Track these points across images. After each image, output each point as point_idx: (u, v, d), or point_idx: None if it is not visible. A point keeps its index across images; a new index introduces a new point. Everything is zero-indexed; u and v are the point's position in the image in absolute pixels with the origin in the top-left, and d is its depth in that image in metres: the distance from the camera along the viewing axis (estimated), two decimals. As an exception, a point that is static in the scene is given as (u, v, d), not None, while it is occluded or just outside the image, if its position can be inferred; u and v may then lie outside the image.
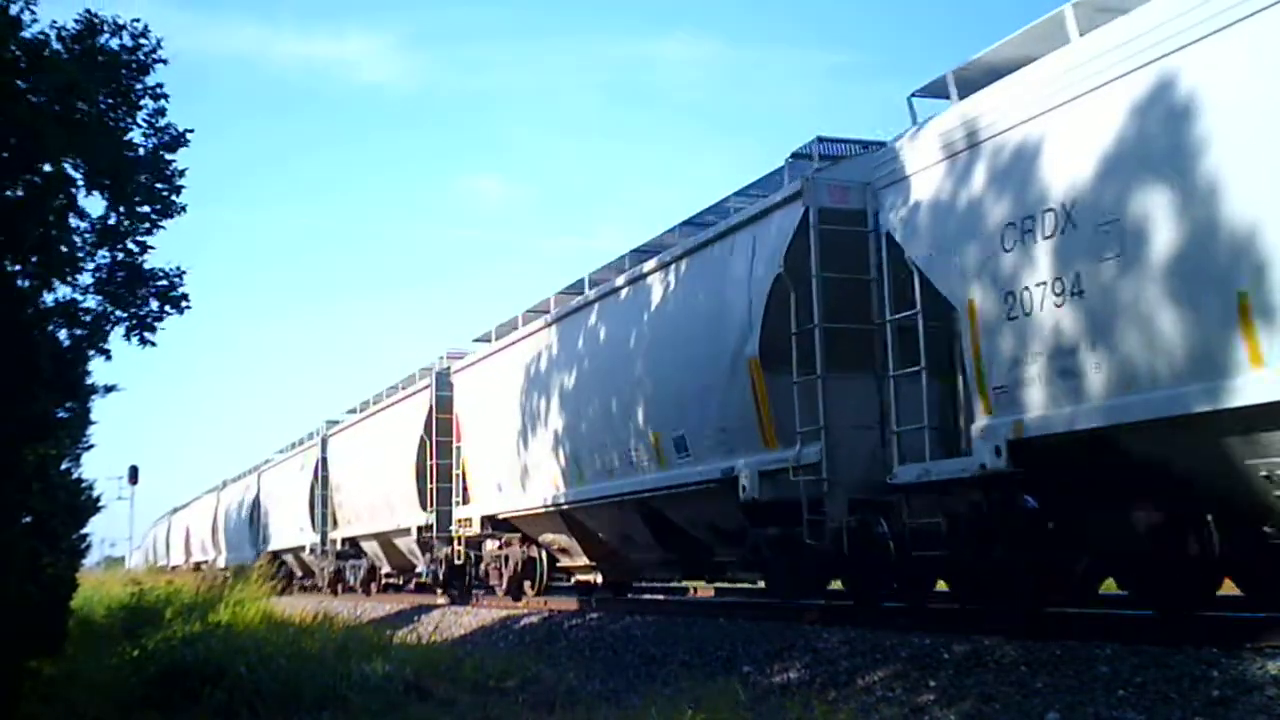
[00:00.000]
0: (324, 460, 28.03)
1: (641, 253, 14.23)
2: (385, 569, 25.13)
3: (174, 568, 46.99)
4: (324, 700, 8.24)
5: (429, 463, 20.52)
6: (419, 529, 20.90)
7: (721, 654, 9.87)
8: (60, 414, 8.91)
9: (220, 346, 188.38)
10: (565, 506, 15.26)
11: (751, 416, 11.01)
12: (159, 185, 8.54)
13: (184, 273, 8.75)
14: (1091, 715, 6.17)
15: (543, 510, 15.95)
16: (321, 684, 8.53)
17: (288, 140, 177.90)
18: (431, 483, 20.39)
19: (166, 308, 8.68)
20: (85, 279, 8.55)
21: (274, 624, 14.34)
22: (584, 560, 16.27)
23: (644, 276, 13.57)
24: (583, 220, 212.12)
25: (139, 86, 8.29)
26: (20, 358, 7.19)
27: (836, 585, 12.07)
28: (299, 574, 32.48)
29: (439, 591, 21.14)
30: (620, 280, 14.15)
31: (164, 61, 8.31)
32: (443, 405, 20.39)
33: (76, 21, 7.98)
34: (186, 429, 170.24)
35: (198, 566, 41.67)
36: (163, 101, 8.47)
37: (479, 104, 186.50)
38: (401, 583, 25.19)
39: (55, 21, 7.93)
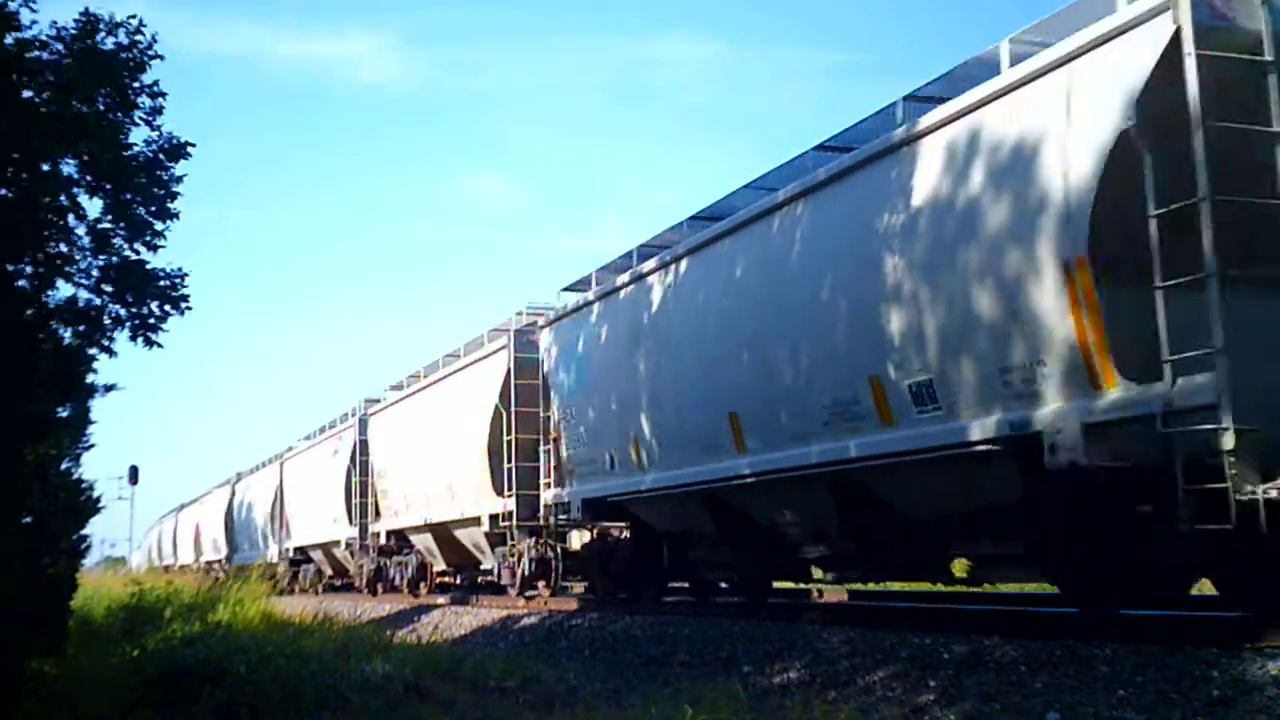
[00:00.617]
0: (363, 443, 24.66)
1: (832, 150, 10.63)
2: (439, 566, 21.58)
3: (182, 568, 43.91)
4: (324, 700, 8.25)
5: (507, 438, 16.75)
6: (492, 518, 17.29)
7: (721, 654, 9.88)
8: (60, 414, 8.91)
9: (219, 346, 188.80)
10: (711, 485, 11.90)
11: (1069, 344, 7.62)
12: (156, 190, 8.54)
13: (185, 275, 8.76)
14: (1091, 715, 6.18)
15: (674, 491, 12.61)
16: (321, 684, 8.54)
17: (288, 139, 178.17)
18: (510, 461, 16.64)
19: (167, 308, 8.68)
20: (86, 279, 8.55)
21: (274, 624, 14.34)
22: (726, 554, 13.03)
23: (849, 172, 9.85)
24: (582, 219, 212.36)
25: (136, 85, 8.27)
26: (20, 358, 7.19)
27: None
28: (329, 572, 29.30)
29: (513, 592, 17.62)
30: (800, 188, 10.45)
31: (160, 57, 8.29)
32: (524, 370, 16.77)
33: (76, 22, 7.98)
34: (186, 429, 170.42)
35: (210, 566, 38.77)
36: (160, 100, 8.46)
37: (479, 104, 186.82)
38: (460, 581, 21.93)
39: (55, 21, 7.94)
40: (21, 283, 7.77)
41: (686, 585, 15.06)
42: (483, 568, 19.48)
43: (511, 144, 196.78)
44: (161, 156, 8.55)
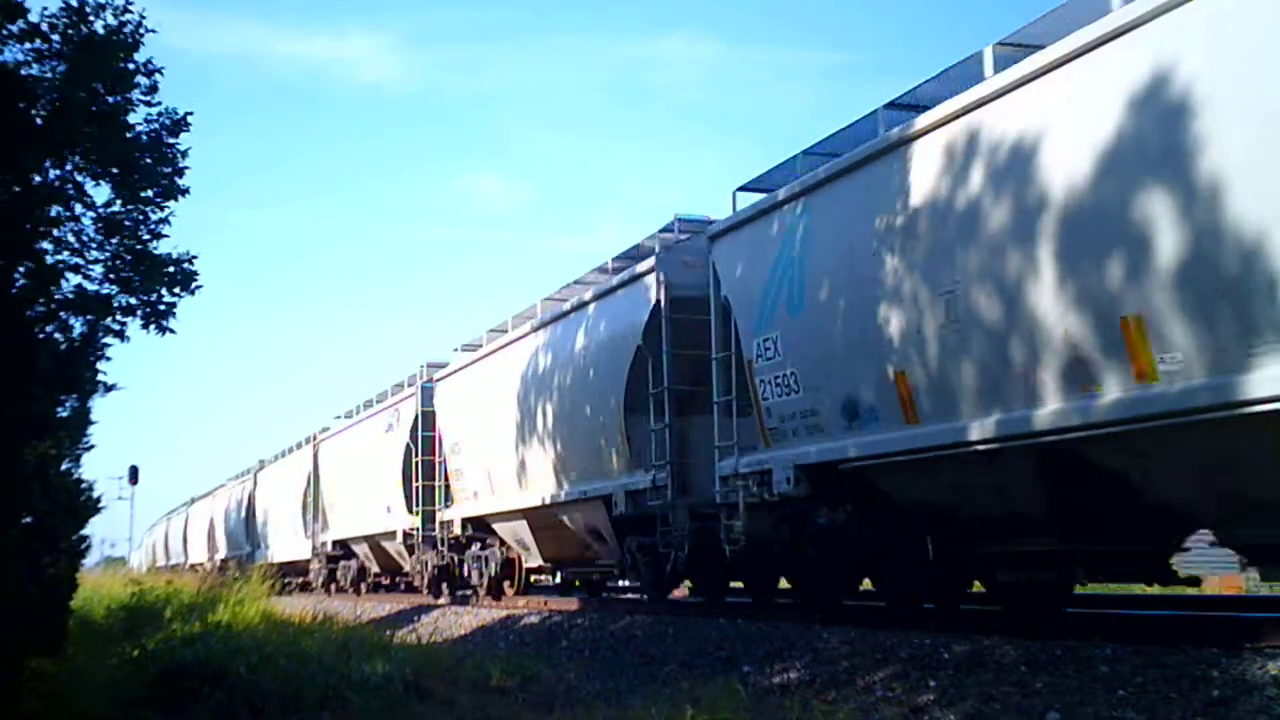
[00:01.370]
0: (426, 415, 20.46)
1: None
2: (534, 562, 17.12)
3: (194, 567, 40.17)
4: (324, 700, 8.24)
5: (653, 391, 12.70)
6: (630, 496, 13.13)
7: (721, 654, 9.87)
8: (60, 413, 8.91)
9: (219, 346, 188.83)
10: (1068, 436, 7.64)
11: None
12: (162, 168, 8.52)
13: (194, 257, 8.74)
14: (1091, 715, 6.18)
15: (983, 448, 8.26)
16: (321, 684, 8.53)
17: (288, 139, 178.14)
18: (661, 420, 12.49)
19: (177, 290, 8.67)
20: (98, 269, 8.55)
21: (274, 624, 14.34)
22: (1037, 543, 8.63)
23: None
24: (582, 219, 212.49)
25: (130, 66, 8.25)
26: (20, 357, 7.20)
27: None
28: (375, 570, 25.14)
29: (647, 596, 14.14)
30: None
31: (152, 31, 8.25)
32: (682, 300, 12.47)
33: (63, 8, 7.96)
34: (187, 428, 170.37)
35: (224, 565, 34.34)
36: (156, 77, 8.42)
37: (479, 104, 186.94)
38: (562, 581, 18.20)
39: (46, 9, 7.94)
40: (21, 283, 7.79)
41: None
42: (601, 563, 15.39)
43: (511, 144, 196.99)
44: (163, 133, 8.53)
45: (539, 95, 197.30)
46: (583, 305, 14.70)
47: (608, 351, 13.70)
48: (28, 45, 7.76)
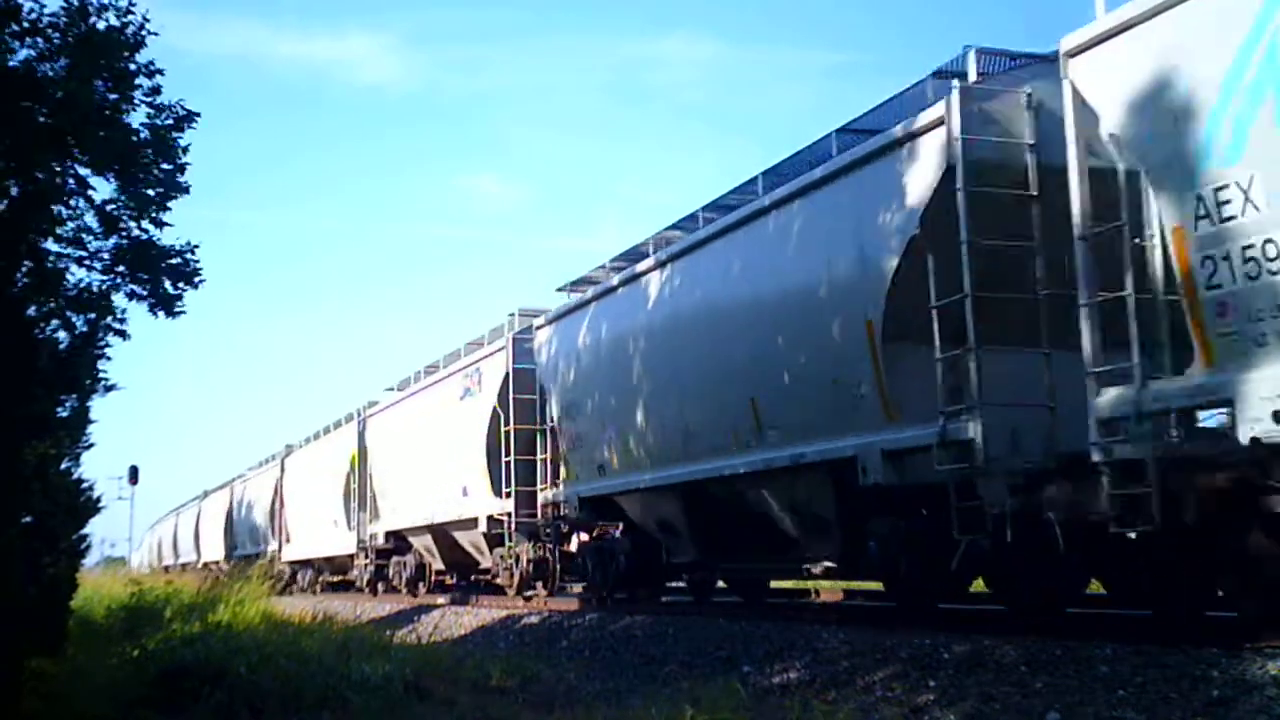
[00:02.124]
0: (519, 376, 16.63)
1: None
2: (684, 557, 13.34)
3: (206, 565, 37.68)
4: (324, 700, 8.25)
5: (938, 304, 8.56)
6: (888, 459, 9.11)
7: (721, 654, 9.88)
8: (60, 413, 8.92)
9: (220, 346, 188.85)
10: None
11: None
12: (163, 163, 8.52)
13: (196, 247, 8.74)
14: (1091, 715, 6.18)
15: None
16: (321, 684, 8.54)
17: (288, 140, 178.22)
18: (951, 346, 8.50)
19: (180, 283, 8.68)
20: (99, 264, 8.56)
21: (274, 624, 14.34)
22: None
23: None
24: (581, 219, 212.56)
25: (132, 66, 8.25)
26: (20, 357, 7.21)
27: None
28: (438, 566, 21.20)
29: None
30: None
31: (155, 34, 8.25)
32: (983, 169, 8.31)
33: (64, 7, 7.95)
34: (187, 428, 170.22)
35: (243, 562, 30.47)
36: (158, 78, 8.42)
37: (479, 104, 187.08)
38: (725, 583, 14.38)
39: (44, 3, 7.92)
40: (22, 283, 7.80)
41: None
42: (809, 555, 11.17)
43: (511, 144, 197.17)
44: (169, 131, 8.51)
45: (539, 95, 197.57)
46: (805, 190, 10.28)
47: (853, 249, 9.45)
48: (29, 42, 7.77)
